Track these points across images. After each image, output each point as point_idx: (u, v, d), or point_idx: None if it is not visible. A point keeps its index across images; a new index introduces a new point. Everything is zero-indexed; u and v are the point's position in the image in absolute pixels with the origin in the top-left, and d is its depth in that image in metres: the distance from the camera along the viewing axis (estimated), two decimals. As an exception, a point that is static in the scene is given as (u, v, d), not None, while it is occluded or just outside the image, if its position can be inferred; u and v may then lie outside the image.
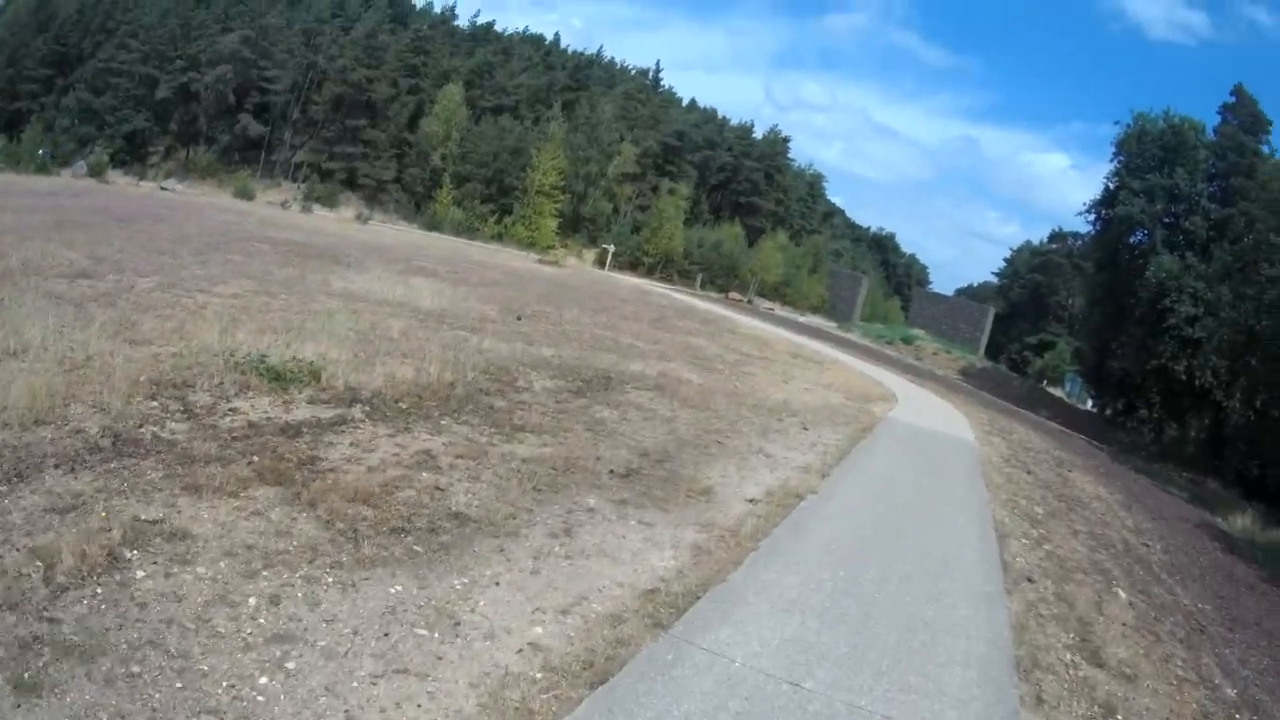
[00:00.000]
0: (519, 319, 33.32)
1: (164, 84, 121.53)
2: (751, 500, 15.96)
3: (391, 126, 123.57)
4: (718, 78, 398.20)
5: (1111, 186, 73.65)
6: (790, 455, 20.82)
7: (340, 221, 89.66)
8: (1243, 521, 34.65)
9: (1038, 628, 13.14)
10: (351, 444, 13.63)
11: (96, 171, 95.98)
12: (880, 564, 14.10)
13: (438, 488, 12.48)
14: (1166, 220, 68.47)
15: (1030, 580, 15.63)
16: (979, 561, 15.91)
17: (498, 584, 9.94)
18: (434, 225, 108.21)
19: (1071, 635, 13.30)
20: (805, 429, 24.88)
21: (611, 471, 15.51)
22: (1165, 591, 18.63)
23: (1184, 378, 61.73)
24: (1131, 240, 71.21)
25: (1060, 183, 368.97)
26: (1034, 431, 45.22)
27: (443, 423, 15.94)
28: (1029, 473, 28.64)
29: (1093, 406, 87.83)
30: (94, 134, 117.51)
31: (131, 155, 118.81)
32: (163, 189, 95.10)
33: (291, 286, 28.86)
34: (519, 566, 10.57)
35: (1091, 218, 77.52)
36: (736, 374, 33.30)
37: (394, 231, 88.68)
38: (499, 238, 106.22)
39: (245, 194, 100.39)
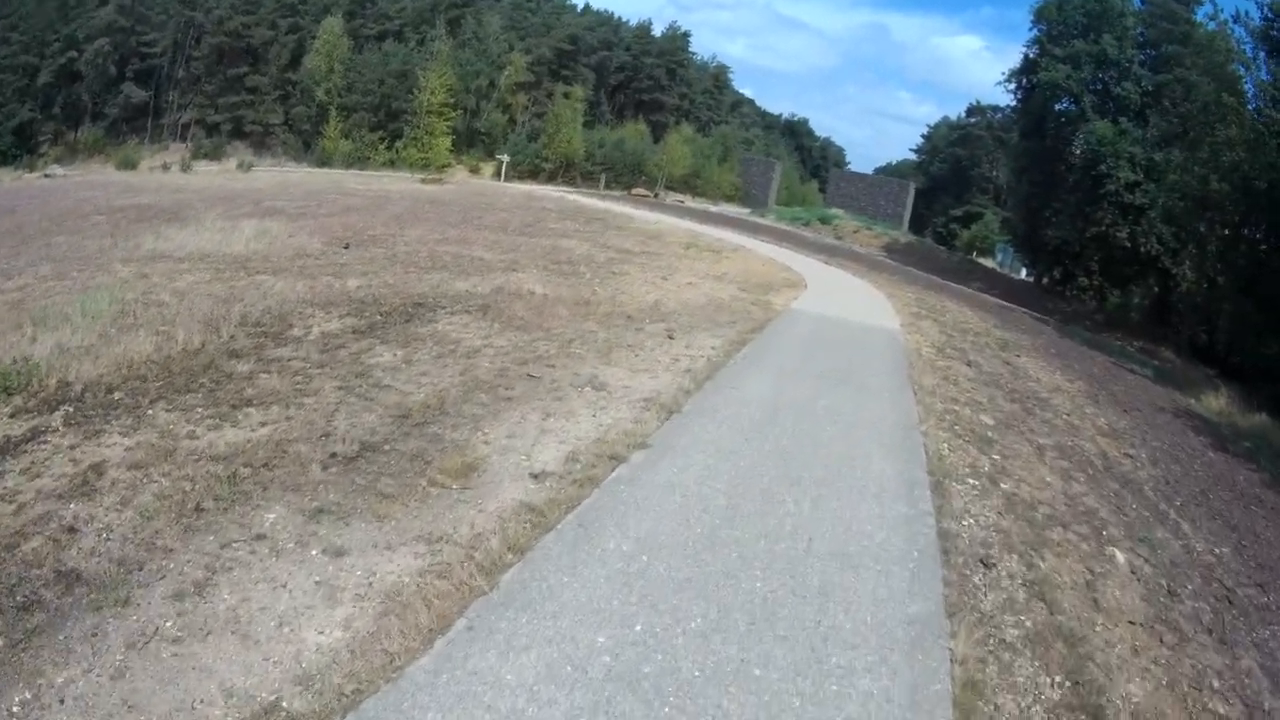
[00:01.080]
0: (346, 248, 28.55)
1: (44, 70, 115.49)
2: (537, 476, 10.45)
3: (273, 69, 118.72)
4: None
5: (1032, 55, 68.60)
6: (634, 382, 15.17)
7: (220, 173, 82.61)
8: (1217, 403, 29.03)
9: (1002, 681, 7.67)
10: (23, 470, 10.06)
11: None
12: (720, 589, 8.05)
13: (71, 528, 8.59)
14: (1094, 87, 64.02)
15: (986, 565, 9.76)
16: (901, 546, 9.66)
17: (63, 701, 6.24)
18: (324, 161, 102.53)
19: (1058, 678, 8.00)
20: (671, 338, 19.20)
21: (334, 455, 10.61)
22: (1171, 534, 13.05)
23: (1127, 245, 57.59)
24: (1057, 108, 66.74)
25: (974, 64, 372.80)
26: (970, 308, 39.04)
27: (149, 412, 11.85)
28: (969, 364, 22.47)
29: (1027, 276, 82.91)
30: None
31: (22, 148, 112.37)
32: (46, 176, 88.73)
33: (91, 261, 25.27)
34: (103, 665, 6.61)
35: (1012, 87, 72.29)
36: (602, 277, 27.34)
37: (274, 174, 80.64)
38: (391, 164, 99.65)
39: (128, 164, 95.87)
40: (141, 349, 14.42)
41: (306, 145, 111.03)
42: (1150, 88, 60.79)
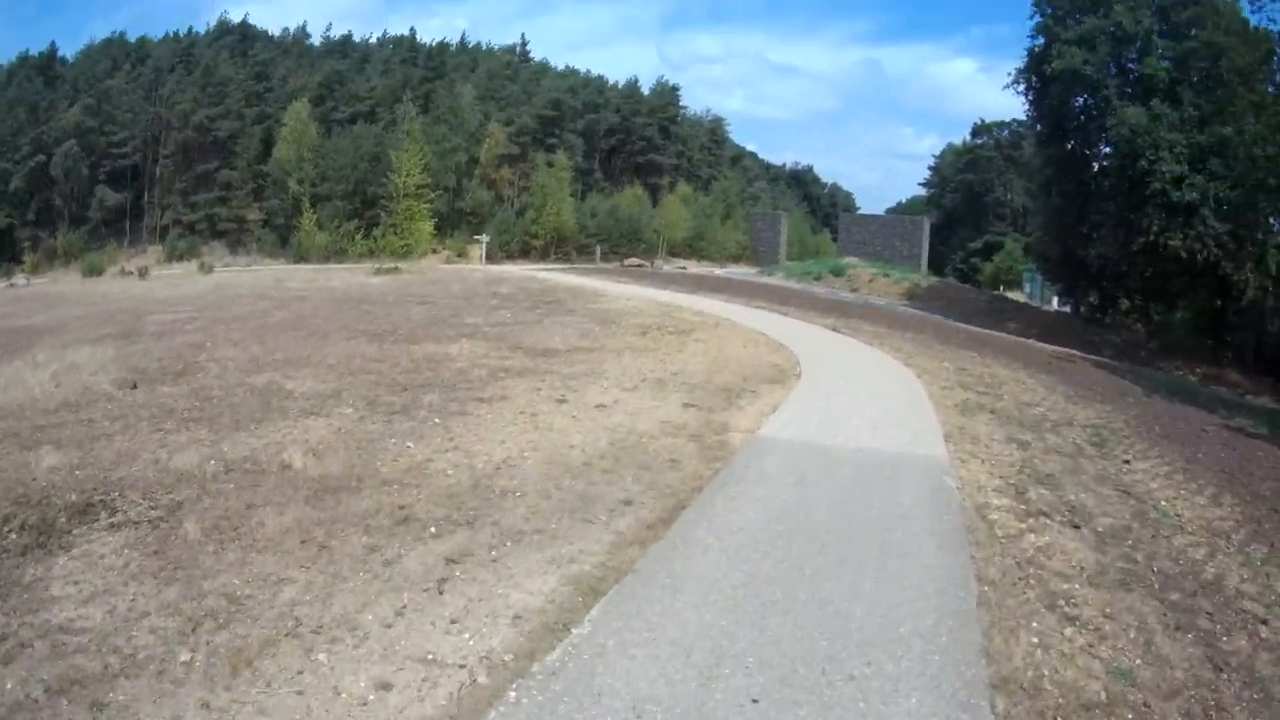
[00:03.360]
0: (134, 388, 20.25)
1: (15, 175, 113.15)
2: None
3: (243, 163, 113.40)
4: (610, 51, 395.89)
5: (1038, 47, 59.88)
6: None
7: (180, 277, 73.74)
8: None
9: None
10: None
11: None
12: None
13: None
14: (1113, 71, 55.92)
15: None
16: None
17: None
18: (302, 256, 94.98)
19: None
20: (421, 606, 8.67)
21: None
22: None
23: (1182, 254, 48.37)
24: (1077, 104, 58.32)
25: (971, 88, 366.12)
26: (1024, 369, 27.67)
27: None
28: (1076, 524, 11.54)
29: (1058, 305, 75.35)
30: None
31: (2, 255, 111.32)
32: (11, 286, 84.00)
33: None
34: None
35: (1022, 88, 63.17)
36: (453, 411, 16.76)
37: (227, 275, 70.12)
38: (371, 253, 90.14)
39: (93, 270, 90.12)
40: None
41: (283, 240, 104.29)
42: (1176, 57, 53.39)
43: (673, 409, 16.97)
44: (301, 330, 29.05)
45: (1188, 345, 51.30)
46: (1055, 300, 77.82)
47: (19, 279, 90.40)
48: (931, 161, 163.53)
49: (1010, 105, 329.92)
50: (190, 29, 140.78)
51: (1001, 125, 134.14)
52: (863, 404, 18.63)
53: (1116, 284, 56.44)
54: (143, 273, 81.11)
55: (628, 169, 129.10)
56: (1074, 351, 39.95)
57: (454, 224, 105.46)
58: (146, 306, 41.00)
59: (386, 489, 12.02)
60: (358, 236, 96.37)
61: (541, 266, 79.64)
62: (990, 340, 37.30)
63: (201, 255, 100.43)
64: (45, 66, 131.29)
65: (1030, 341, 41.75)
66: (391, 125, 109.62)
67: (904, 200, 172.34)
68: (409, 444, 14.33)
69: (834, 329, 34.29)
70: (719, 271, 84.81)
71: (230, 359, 23.29)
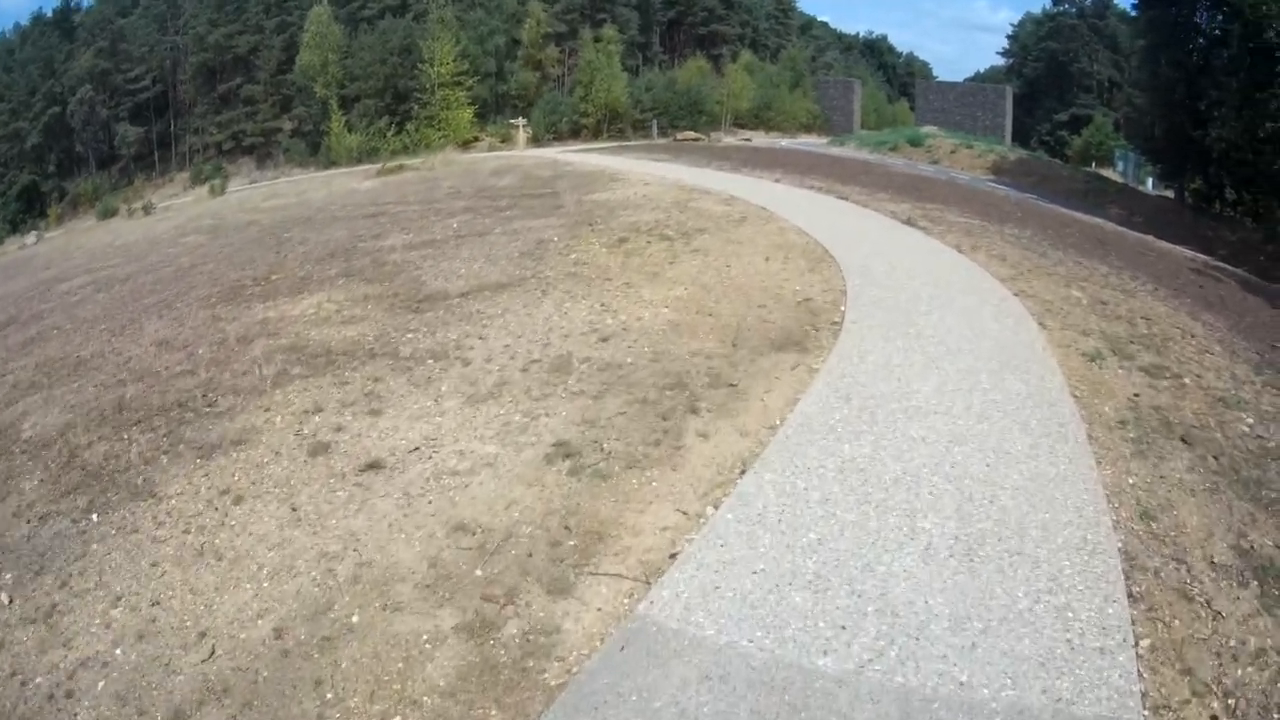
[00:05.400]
0: None
1: (31, 132, 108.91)
2: None
3: (265, 74, 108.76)
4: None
5: None
6: None
7: (165, 214, 65.51)
8: None
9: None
10: None
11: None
12: None
13: None
14: None
15: None
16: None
17: None
18: (332, 161, 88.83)
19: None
20: None
21: None
22: None
23: None
24: None
25: None
26: (1177, 302, 16.90)
27: None
28: None
29: (1154, 188, 64.35)
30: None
31: (28, 212, 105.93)
32: (22, 247, 77.66)
33: None
34: None
35: None
36: (102, 511, 8.98)
37: (228, 199, 64.00)
38: (405, 149, 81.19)
39: (108, 213, 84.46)
40: None
41: (314, 148, 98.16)
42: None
43: (521, 471, 8.44)
44: (169, 290, 21.74)
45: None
46: (1150, 182, 67.57)
47: (30, 237, 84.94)
48: (1010, 30, 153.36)
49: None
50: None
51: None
52: (944, 430, 8.93)
53: (1229, 172, 46.58)
54: (147, 209, 76.30)
55: (689, 42, 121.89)
56: (1200, 255, 31.45)
57: (498, 109, 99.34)
58: (83, 264, 34.72)
59: None
60: (389, 134, 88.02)
61: (586, 147, 71.72)
62: (1110, 239, 27.95)
63: (222, 176, 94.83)
64: (61, 20, 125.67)
65: (1149, 239, 32.86)
66: (422, 16, 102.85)
67: (982, 71, 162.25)
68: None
69: (908, 221, 24.24)
70: (784, 143, 76.84)
71: (17, 369, 16.46)
